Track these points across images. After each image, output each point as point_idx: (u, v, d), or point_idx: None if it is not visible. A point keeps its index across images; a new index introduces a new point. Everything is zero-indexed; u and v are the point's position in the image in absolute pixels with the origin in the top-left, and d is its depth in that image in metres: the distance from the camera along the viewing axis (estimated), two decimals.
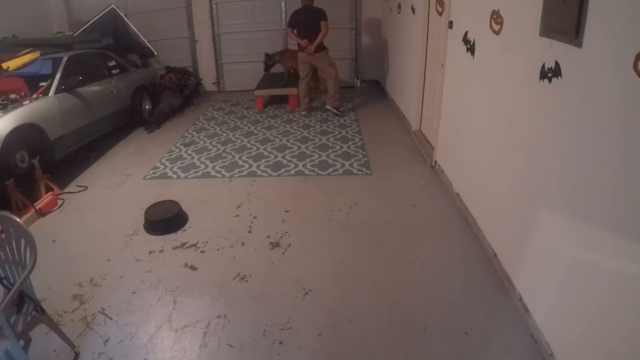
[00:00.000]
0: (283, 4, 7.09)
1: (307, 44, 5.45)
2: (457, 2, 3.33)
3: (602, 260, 1.61)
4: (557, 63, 1.86)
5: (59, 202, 3.80)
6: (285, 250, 2.92)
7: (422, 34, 4.41)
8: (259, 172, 4.21)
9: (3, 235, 1.97)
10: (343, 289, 2.51)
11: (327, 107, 5.89)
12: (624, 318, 1.49)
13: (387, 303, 2.38)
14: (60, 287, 2.64)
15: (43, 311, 2.00)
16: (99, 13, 5.86)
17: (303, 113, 5.97)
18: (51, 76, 4.42)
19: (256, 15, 7.27)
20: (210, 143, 5.10)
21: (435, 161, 3.97)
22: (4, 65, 4.49)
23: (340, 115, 5.78)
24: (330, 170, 4.17)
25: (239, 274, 2.70)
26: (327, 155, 4.51)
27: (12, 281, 1.93)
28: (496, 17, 2.51)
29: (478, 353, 2.05)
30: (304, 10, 5.49)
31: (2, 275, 1.95)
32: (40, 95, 4.17)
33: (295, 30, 5.54)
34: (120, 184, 4.15)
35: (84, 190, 4.05)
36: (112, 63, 5.54)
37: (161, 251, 3.00)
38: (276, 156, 4.58)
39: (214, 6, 7.21)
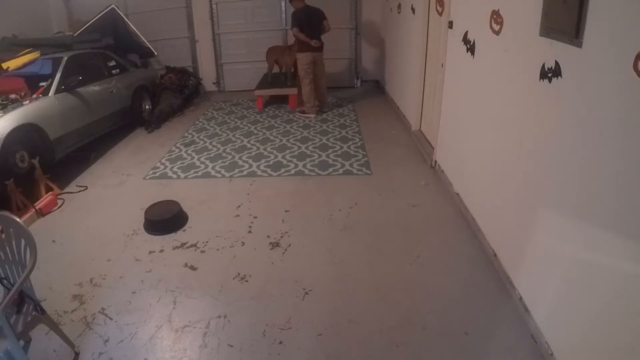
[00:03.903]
0: (283, 4, 7.09)
1: (317, 44, 5.47)
2: (457, 2, 3.33)
3: (602, 260, 1.61)
4: (557, 63, 1.86)
5: (59, 202, 3.80)
6: (285, 250, 2.92)
7: (422, 34, 4.41)
8: (259, 172, 4.22)
9: (3, 235, 1.97)
10: (343, 289, 2.51)
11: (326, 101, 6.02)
12: (624, 318, 1.49)
13: (387, 303, 2.38)
14: (60, 287, 2.64)
15: (43, 311, 2.00)
16: (99, 13, 5.88)
17: (313, 116, 5.80)
18: (51, 76, 4.42)
19: (256, 15, 7.27)
20: (210, 143, 5.10)
21: (435, 161, 3.97)
22: (4, 65, 4.50)
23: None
24: (330, 170, 4.17)
25: (239, 274, 2.70)
26: (327, 155, 4.51)
27: (12, 281, 1.93)
28: (496, 17, 2.51)
29: (478, 353, 2.05)
30: (307, 11, 5.46)
31: (2, 275, 1.95)
32: (40, 95, 4.18)
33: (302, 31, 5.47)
34: (120, 184, 4.15)
35: (84, 190, 4.05)
36: (112, 63, 5.54)
37: (161, 251, 3.00)
38: (276, 156, 4.59)
39: (214, 6, 7.21)
